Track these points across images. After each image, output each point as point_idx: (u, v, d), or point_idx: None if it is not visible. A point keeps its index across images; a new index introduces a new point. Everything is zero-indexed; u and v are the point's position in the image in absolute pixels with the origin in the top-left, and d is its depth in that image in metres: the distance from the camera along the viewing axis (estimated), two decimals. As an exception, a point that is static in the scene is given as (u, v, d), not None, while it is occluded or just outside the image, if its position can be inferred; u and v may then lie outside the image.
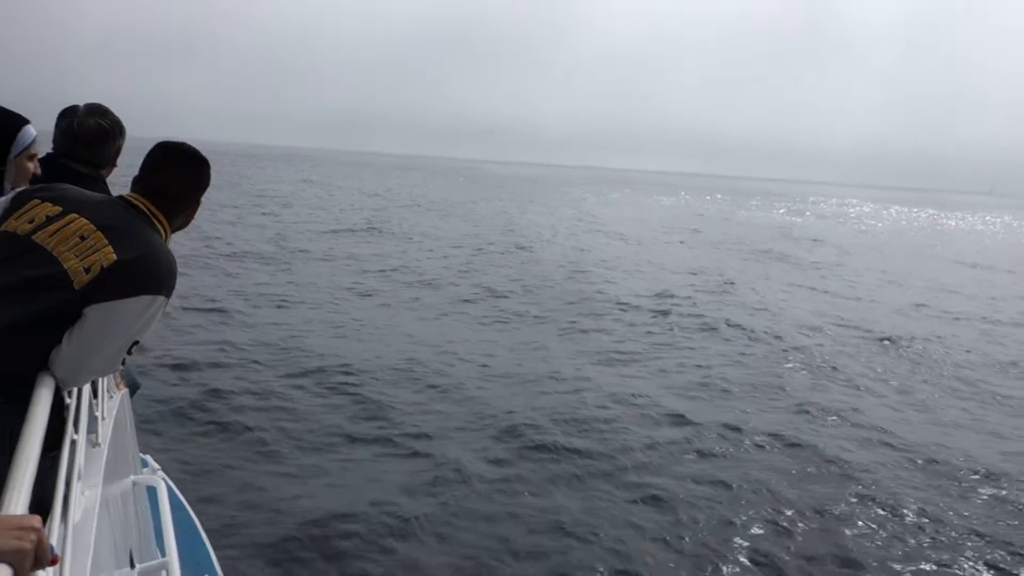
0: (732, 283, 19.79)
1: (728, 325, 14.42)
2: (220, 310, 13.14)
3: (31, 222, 2.07)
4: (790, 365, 11.90)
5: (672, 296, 17.34)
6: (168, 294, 2.13)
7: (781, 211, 68.40)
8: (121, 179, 2.74)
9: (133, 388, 3.96)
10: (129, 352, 2.15)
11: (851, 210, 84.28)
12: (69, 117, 3.09)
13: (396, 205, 43.13)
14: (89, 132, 3.07)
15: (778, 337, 13.57)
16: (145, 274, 2.06)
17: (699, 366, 11.50)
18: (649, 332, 13.63)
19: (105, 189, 3.06)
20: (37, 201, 2.12)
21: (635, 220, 44.01)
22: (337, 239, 24.52)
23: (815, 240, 36.66)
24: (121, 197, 2.26)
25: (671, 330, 13.96)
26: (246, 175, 64.91)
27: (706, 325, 14.38)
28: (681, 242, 31.71)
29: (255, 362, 10.24)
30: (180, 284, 2.18)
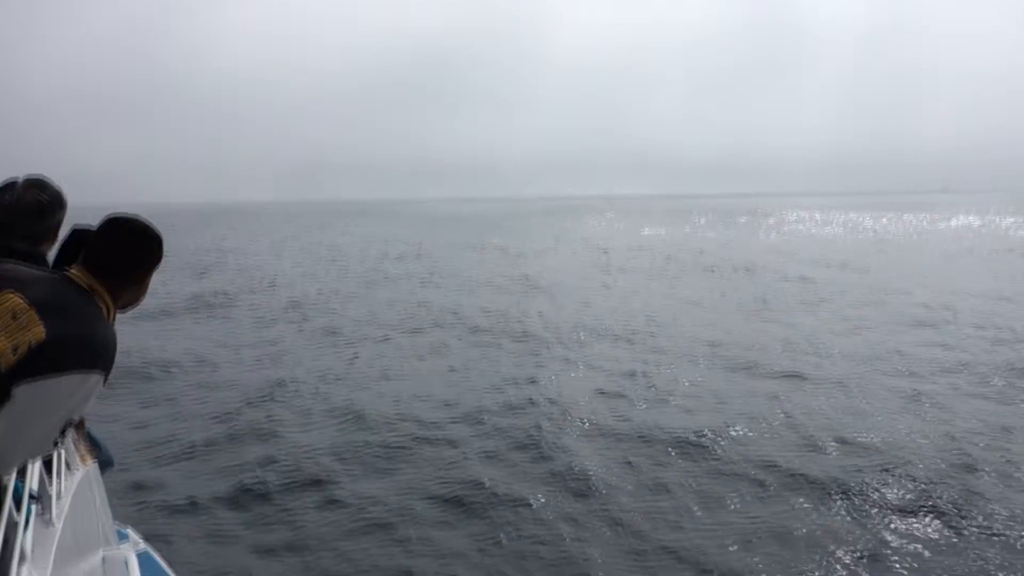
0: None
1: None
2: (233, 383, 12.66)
3: None
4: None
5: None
6: (105, 370, 2.07)
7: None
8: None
9: (105, 464, 3.88)
10: (63, 432, 2.08)
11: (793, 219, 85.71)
12: (7, 192, 3.06)
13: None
14: (27, 207, 3.03)
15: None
16: (77, 351, 2.02)
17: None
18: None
19: (45, 265, 2.95)
20: None
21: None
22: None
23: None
24: (63, 273, 2.21)
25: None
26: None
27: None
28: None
29: (271, 431, 9.98)
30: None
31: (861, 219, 76.46)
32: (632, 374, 12.62)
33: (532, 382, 12.19)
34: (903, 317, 17.83)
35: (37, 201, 3.06)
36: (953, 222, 71.32)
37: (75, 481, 3.03)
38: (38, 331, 1.96)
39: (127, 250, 2.28)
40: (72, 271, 2.21)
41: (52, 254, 2.71)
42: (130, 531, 4.53)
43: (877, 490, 7.71)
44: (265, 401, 11.36)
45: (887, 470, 8.21)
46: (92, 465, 3.53)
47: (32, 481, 2.26)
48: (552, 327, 17.02)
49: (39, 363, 1.94)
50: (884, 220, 74.22)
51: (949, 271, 28.83)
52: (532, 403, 10.87)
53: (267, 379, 12.59)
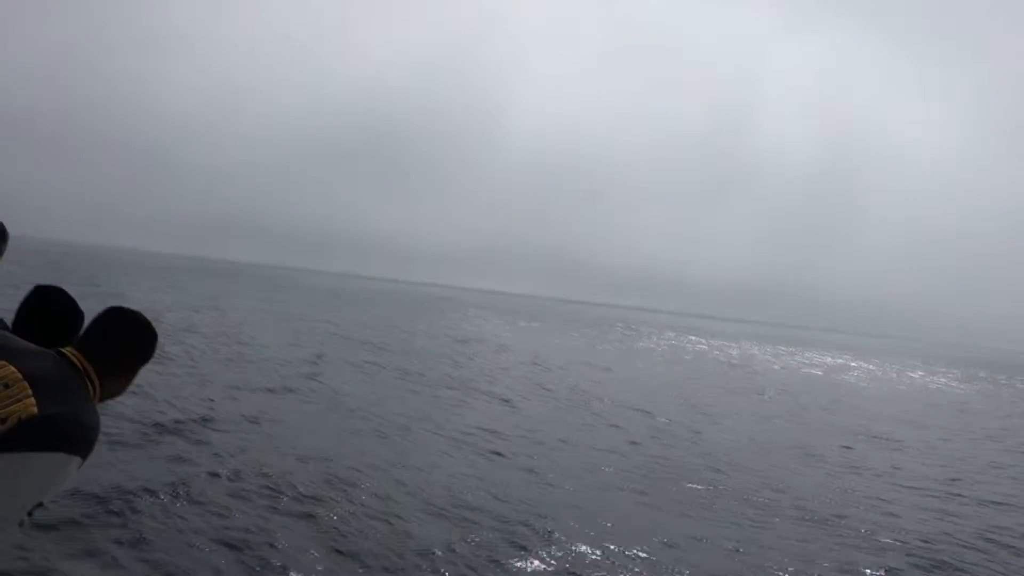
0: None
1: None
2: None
3: None
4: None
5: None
6: (84, 456, 2.03)
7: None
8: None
9: None
10: (30, 514, 2.03)
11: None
12: None
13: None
14: None
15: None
16: (63, 431, 1.98)
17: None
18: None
19: None
20: None
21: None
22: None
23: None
24: (59, 352, 2.21)
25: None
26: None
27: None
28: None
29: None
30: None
31: (728, 346, 77.72)
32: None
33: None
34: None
35: None
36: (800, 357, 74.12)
37: None
38: (29, 404, 1.94)
39: (127, 343, 2.31)
40: (68, 351, 2.22)
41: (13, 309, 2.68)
42: None
43: None
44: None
45: None
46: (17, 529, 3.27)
47: None
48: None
49: (25, 437, 1.91)
50: (755, 350, 76.08)
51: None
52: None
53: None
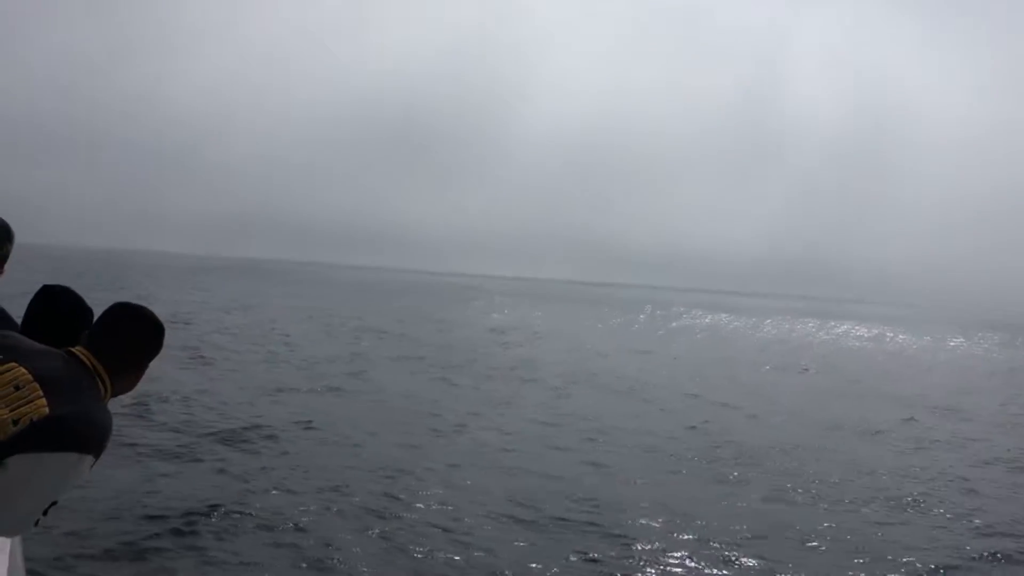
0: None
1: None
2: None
3: None
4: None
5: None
6: (97, 454, 2.07)
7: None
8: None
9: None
10: (45, 513, 2.05)
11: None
12: None
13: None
14: None
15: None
16: (75, 431, 2.01)
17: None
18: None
19: None
20: None
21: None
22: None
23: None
24: (68, 351, 2.23)
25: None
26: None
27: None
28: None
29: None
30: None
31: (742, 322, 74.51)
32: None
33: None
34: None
35: None
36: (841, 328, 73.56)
37: (6, 547, 2.92)
38: (40, 405, 1.96)
39: (135, 338, 2.33)
40: (77, 350, 2.24)
41: (21, 310, 2.70)
42: None
43: None
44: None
45: None
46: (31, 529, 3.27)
47: None
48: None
49: (37, 438, 1.93)
50: (768, 323, 74.61)
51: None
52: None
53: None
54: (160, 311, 2.54)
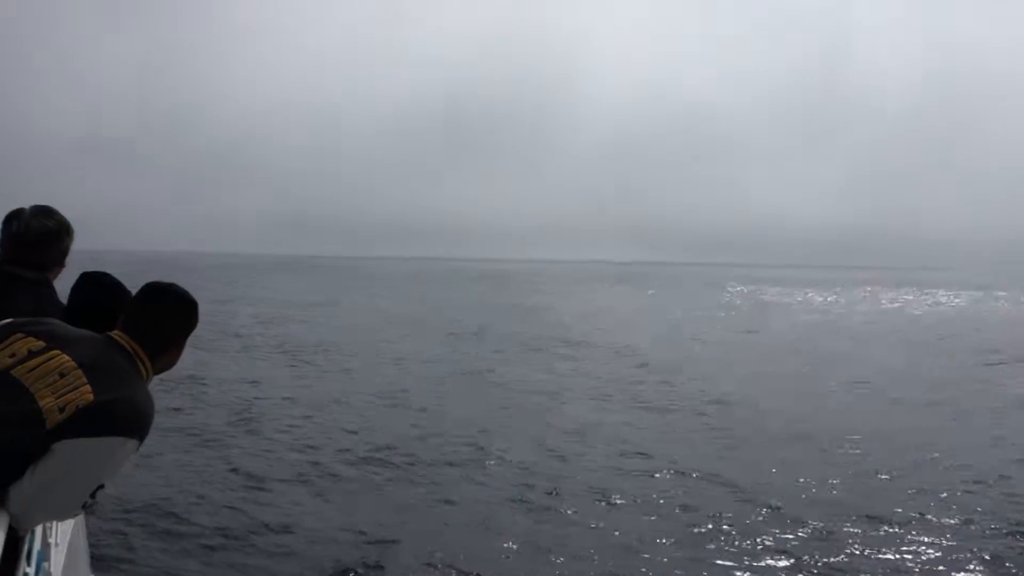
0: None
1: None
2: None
3: (12, 356, 2.08)
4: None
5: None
6: (141, 438, 2.11)
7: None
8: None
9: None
10: (93, 496, 2.11)
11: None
12: (14, 220, 3.04)
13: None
14: (34, 234, 3.00)
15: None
16: (120, 416, 2.05)
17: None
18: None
19: (52, 292, 3.04)
20: (21, 335, 2.14)
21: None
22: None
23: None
24: (107, 336, 2.26)
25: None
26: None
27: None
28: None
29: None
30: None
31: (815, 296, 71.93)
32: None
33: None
34: None
35: (45, 227, 3.03)
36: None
37: (70, 527, 2.97)
38: (86, 392, 2.01)
39: (169, 316, 2.36)
40: (115, 334, 2.27)
41: (64, 298, 2.91)
42: None
43: None
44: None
45: None
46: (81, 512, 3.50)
47: (39, 529, 2.25)
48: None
49: (83, 424, 1.98)
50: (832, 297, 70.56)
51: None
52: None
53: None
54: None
